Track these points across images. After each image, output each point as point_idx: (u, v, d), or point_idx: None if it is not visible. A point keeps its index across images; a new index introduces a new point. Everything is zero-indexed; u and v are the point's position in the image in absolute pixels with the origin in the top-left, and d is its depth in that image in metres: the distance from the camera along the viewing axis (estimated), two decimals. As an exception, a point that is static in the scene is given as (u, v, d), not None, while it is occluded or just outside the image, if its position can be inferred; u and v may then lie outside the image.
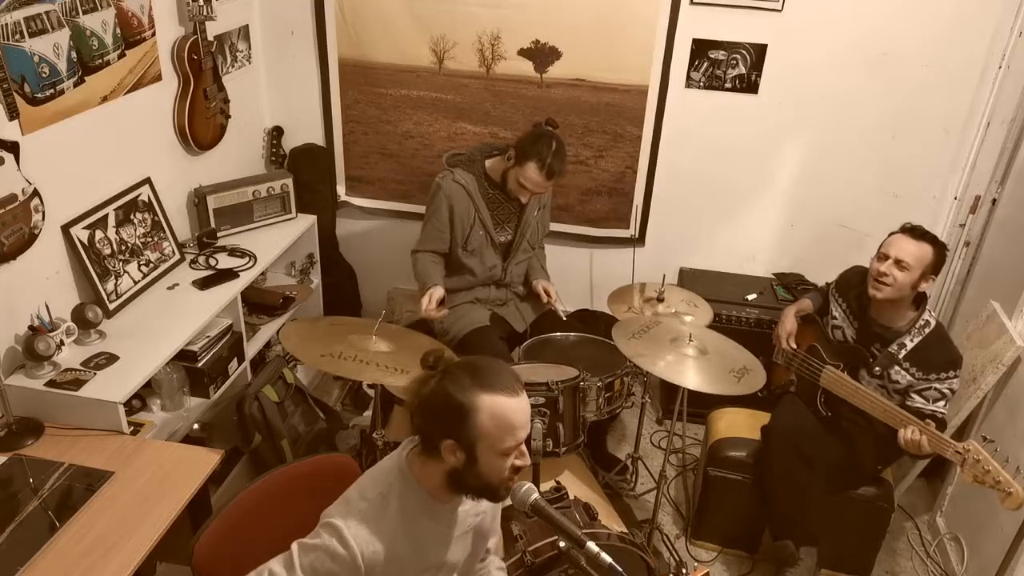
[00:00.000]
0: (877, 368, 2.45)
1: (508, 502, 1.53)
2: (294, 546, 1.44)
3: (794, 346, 2.71)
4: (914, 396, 2.40)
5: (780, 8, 3.06)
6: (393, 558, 1.43)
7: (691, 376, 2.31)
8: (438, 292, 2.75)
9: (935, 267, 2.38)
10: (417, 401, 1.44)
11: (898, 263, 2.36)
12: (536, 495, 1.52)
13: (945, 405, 2.39)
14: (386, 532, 1.43)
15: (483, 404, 1.37)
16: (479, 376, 1.39)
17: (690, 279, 3.48)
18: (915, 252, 2.35)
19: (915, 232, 2.40)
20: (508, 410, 1.38)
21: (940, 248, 2.39)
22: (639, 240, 3.55)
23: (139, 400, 2.52)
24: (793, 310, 2.78)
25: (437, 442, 1.41)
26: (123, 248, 2.59)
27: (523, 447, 1.43)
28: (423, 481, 1.47)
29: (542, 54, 3.27)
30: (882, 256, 2.41)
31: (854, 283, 2.61)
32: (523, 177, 2.68)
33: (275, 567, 1.43)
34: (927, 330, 2.42)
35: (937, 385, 2.38)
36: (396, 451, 1.54)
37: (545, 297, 2.98)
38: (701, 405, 3.05)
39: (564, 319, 2.94)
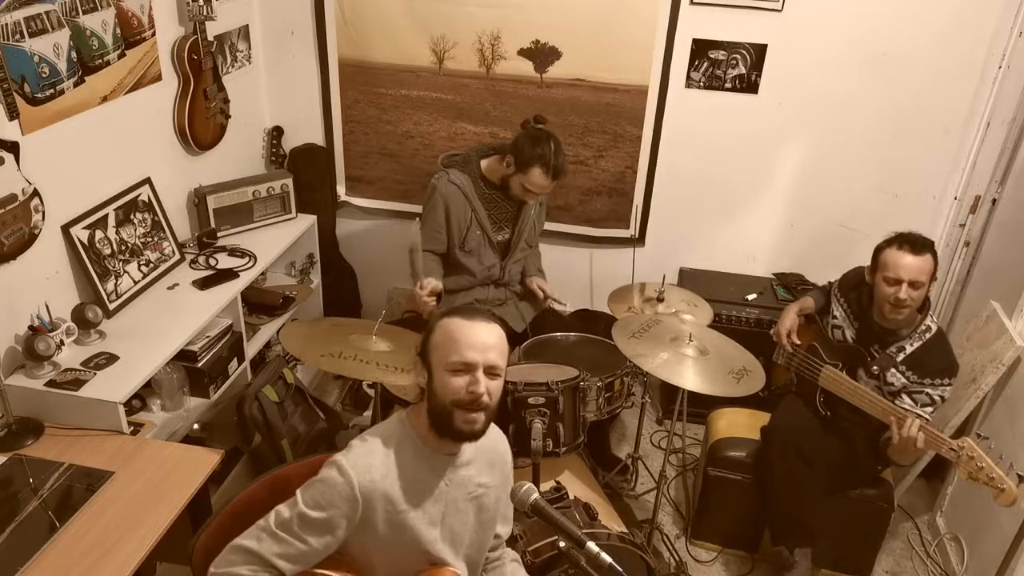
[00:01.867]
0: (875, 368, 2.46)
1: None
2: (298, 490, 1.52)
3: (796, 342, 2.70)
4: (904, 397, 2.41)
5: (780, 8, 3.06)
6: (389, 495, 1.51)
7: (691, 377, 2.31)
8: (432, 283, 2.74)
9: (936, 269, 2.38)
10: None
11: (912, 284, 2.32)
12: (536, 495, 1.52)
13: (932, 412, 2.40)
14: (382, 466, 1.52)
15: (441, 323, 1.55)
16: (455, 308, 1.63)
17: (690, 279, 3.48)
18: (924, 267, 2.33)
19: (915, 247, 2.34)
20: (457, 327, 1.52)
21: (935, 250, 2.38)
22: (639, 240, 3.55)
23: (139, 400, 2.52)
24: (795, 308, 2.77)
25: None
26: (123, 248, 2.59)
27: (478, 375, 1.49)
28: (418, 428, 1.57)
29: (542, 54, 3.27)
30: (893, 281, 2.34)
31: (854, 284, 2.61)
32: (529, 183, 2.68)
33: (280, 506, 1.52)
34: (928, 335, 2.42)
35: (929, 390, 2.39)
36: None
37: (541, 294, 2.98)
38: (701, 405, 3.05)
39: (566, 315, 2.92)
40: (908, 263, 2.32)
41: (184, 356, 2.55)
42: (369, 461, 1.51)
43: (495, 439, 1.70)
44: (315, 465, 1.86)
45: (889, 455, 2.39)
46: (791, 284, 3.40)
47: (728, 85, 3.22)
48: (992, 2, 2.92)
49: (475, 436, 1.54)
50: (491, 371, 1.51)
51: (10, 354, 2.22)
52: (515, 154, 2.69)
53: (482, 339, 1.51)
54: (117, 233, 2.57)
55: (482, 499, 1.65)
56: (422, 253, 2.84)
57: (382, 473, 1.51)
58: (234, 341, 2.79)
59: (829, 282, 2.77)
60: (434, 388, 1.52)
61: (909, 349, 2.42)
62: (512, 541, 2.01)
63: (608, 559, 1.42)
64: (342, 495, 1.48)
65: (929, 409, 2.39)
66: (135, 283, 2.62)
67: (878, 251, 2.42)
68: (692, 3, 3.09)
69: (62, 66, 2.27)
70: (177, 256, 2.84)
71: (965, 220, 3.20)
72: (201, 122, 2.97)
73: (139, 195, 2.69)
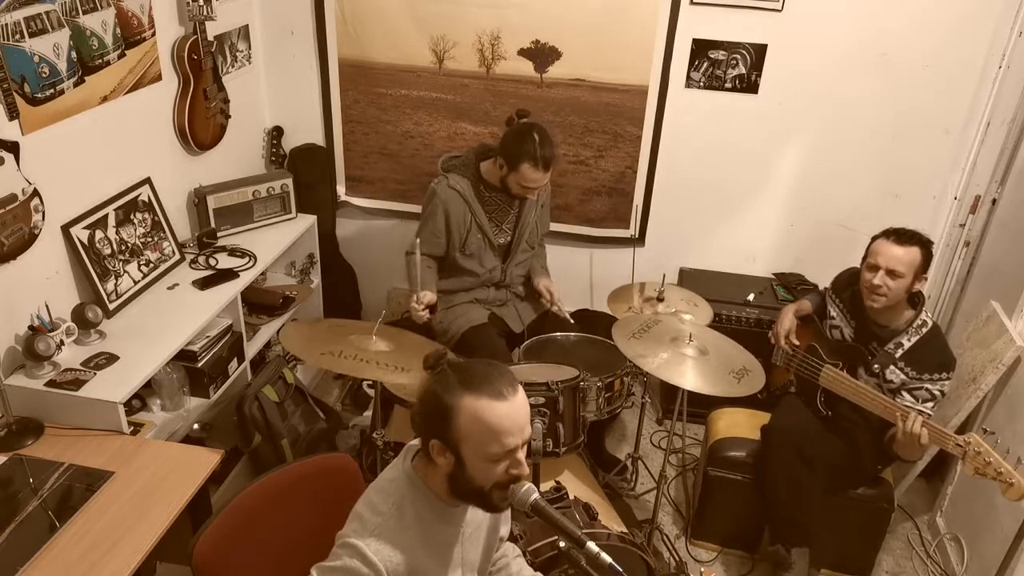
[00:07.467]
0: (876, 366, 2.46)
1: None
2: (313, 571, 1.41)
3: (795, 343, 2.71)
4: (904, 395, 2.41)
5: (780, 8, 3.05)
6: (417, 568, 1.42)
7: (691, 377, 2.31)
8: (427, 297, 2.71)
9: (925, 267, 2.38)
10: (415, 401, 1.44)
11: (890, 272, 2.34)
12: (536, 495, 1.52)
13: (933, 407, 2.40)
14: (406, 543, 1.41)
15: (464, 405, 1.35)
16: (467, 377, 1.37)
17: (690, 279, 3.48)
18: (905, 258, 2.33)
19: (900, 237, 2.36)
20: (491, 414, 1.34)
21: (927, 247, 2.37)
22: (639, 240, 3.55)
23: (139, 400, 2.52)
24: (792, 309, 2.78)
25: (428, 442, 1.40)
26: (123, 248, 2.59)
27: (519, 455, 1.39)
28: (433, 485, 1.45)
29: (542, 54, 3.27)
30: (871, 267, 2.38)
31: (847, 283, 2.61)
32: (523, 180, 2.68)
33: None
34: (924, 330, 2.42)
35: (928, 386, 2.39)
36: (398, 459, 1.52)
37: (547, 295, 2.97)
38: (701, 405, 3.04)
39: (571, 321, 2.91)
40: (888, 250, 2.35)
41: (184, 356, 2.55)
42: (392, 543, 1.39)
43: None
44: (315, 465, 1.86)
45: (895, 451, 2.40)
46: (791, 284, 3.40)
47: (728, 85, 3.22)
48: (992, 2, 2.92)
49: (507, 500, 1.44)
50: (527, 440, 1.40)
51: (10, 354, 2.22)
52: (504, 155, 2.69)
53: (519, 417, 1.37)
54: (117, 233, 2.57)
55: (490, 521, 1.62)
56: (420, 257, 2.84)
57: (408, 549, 1.40)
58: (234, 341, 2.79)
59: (825, 287, 2.78)
60: (469, 475, 1.39)
61: (907, 344, 2.42)
62: (512, 541, 2.01)
63: (608, 559, 1.41)
64: None
65: (930, 404, 2.39)
66: (135, 283, 2.62)
67: (870, 242, 2.45)
68: (692, 3, 3.09)
69: (62, 66, 2.27)
70: (177, 256, 2.84)
71: (965, 220, 3.20)
72: (201, 122, 2.96)
73: (139, 195, 2.69)
